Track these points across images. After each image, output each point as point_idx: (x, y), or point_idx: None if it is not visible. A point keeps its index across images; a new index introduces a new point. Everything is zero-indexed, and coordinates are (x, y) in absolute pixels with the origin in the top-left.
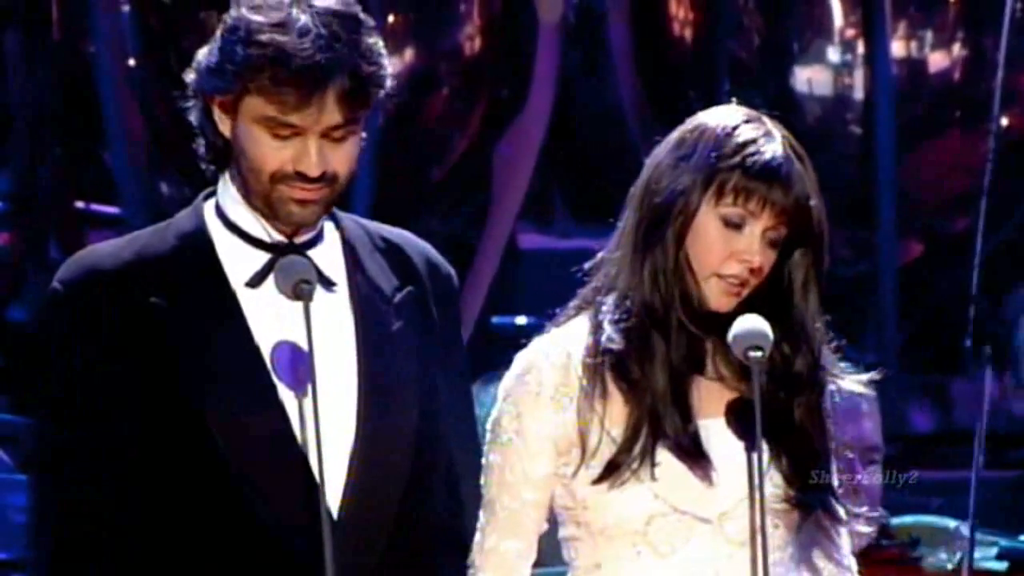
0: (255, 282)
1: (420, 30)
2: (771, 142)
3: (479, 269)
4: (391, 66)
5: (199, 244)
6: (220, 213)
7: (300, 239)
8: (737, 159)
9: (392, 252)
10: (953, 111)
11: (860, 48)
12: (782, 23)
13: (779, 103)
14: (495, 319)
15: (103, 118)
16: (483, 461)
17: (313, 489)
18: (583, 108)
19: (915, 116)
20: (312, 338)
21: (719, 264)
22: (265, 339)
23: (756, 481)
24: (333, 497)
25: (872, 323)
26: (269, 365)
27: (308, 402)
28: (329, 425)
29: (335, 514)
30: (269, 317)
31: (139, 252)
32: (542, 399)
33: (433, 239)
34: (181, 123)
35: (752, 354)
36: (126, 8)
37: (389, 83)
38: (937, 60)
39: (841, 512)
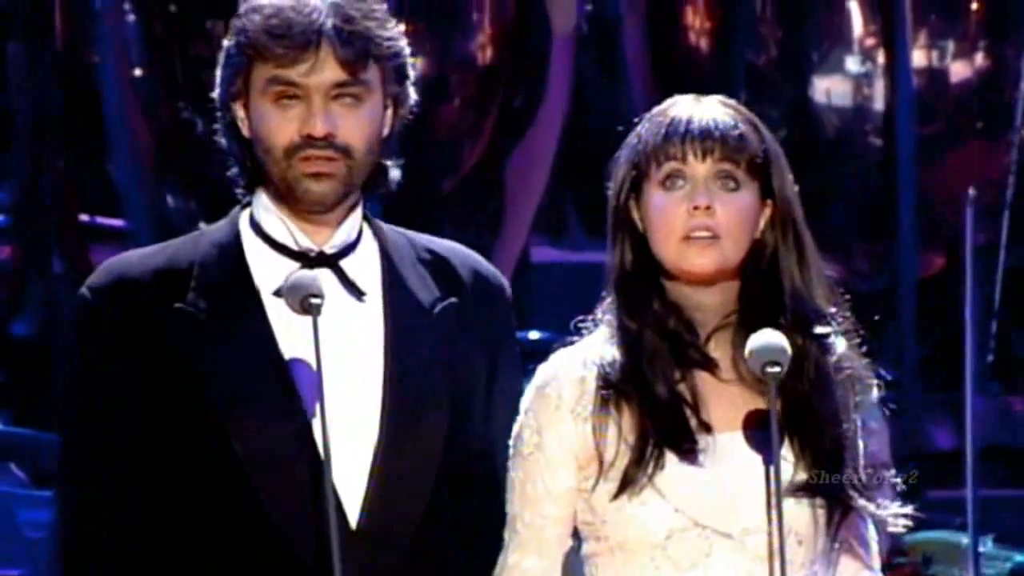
0: (282, 292)
1: (432, 39)
2: (687, 105)
3: None
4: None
5: (230, 252)
6: (253, 222)
7: (333, 248)
8: (652, 130)
9: (437, 264)
10: (975, 122)
11: (880, 58)
12: (800, 32)
13: (797, 114)
14: None
15: (107, 129)
16: (507, 477)
17: (332, 499)
18: (597, 119)
19: (936, 127)
20: (320, 352)
21: (679, 226)
22: (290, 349)
23: (775, 500)
24: (351, 509)
25: (892, 338)
26: (292, 375)
27: (331, 413)
28: (351, 437)
29: (353, 524)
30: (295, 327)
31: (169, 259)
32: (562, 412)
33: None
34: (187, 134)
35: (770, 370)
36: (131, 17)
37: (397, 50)
38: (958, 70)
39: (870, 507)
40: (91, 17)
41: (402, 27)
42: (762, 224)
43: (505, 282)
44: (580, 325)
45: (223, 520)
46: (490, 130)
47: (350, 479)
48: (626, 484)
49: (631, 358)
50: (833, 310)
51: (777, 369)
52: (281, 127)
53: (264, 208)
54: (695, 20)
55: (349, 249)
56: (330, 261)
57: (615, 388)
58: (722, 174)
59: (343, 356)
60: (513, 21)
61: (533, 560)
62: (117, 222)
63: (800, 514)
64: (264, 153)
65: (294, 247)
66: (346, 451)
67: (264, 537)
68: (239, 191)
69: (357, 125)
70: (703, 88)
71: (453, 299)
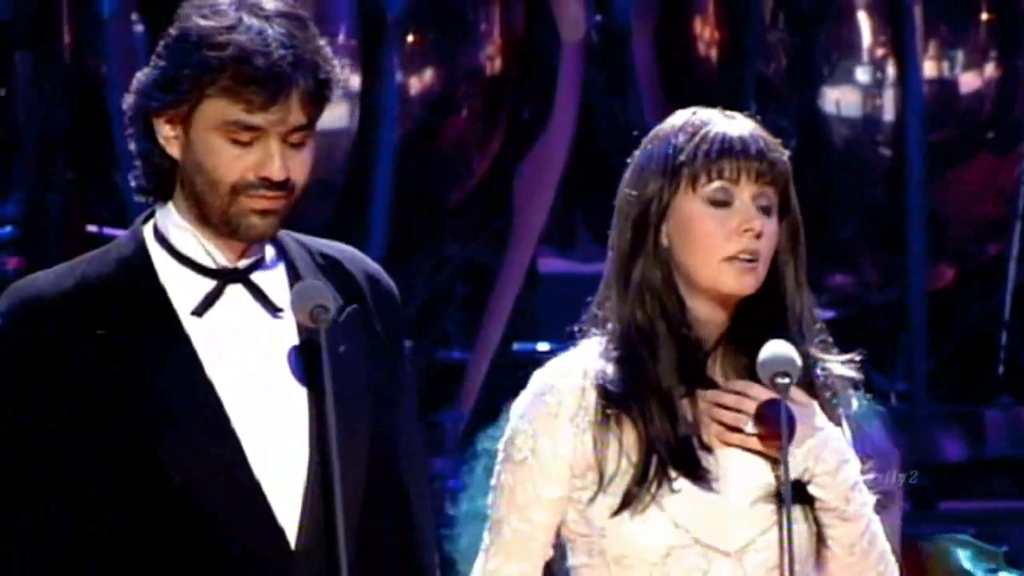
0: (201, 310)
1: (440, 50)
2: (722, 119)
3: (499, 294)
4: (411, 87)
5: (142, 272)
6: (161, 239)
7: (245, 263)
8: (694, 143)
9: (333, 269)
10: (985, 133)
11: (890, 69)
12: (810, 42)
13: (807, 125)
14: (516, 345)
15: (115, 141)
16: (492, 481)
17: (270, 521)
18: (606, 129)
19: (946, 138)
20: (327, 367)
21: (723, 246)
22: (214, 368)
23: (785, 520)
24: (290, 530)
25: (902, 350)
26: (220, 395)
27: (261, 431)
28: (283, 453)
29: (292, 544)
30: (217, 346)
31: (80, 281)
32: (560, 420)
33: (453, 264)
34: None
35: (779, 380)
36: (139, 28)
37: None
38: (969, 81)
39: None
40: (99, 27)
41: (409, 38)
42: None
43: (394, 285)
44: (572, 333)
45: (164, 547)
46: (498, 141)
47: (286, 500)
48: (629, 501)
49: (640, 368)
50: (817, 326)
51: (787, 380)
52: (234, 165)
53: (175, 224)
54: (704, 31)
55: (259, 263)
56: (243, 276)
57: (617, 404)
58: (763, 197)
59: (265, 374)
60: (522, 32)
61: (515, 566)
62: (124, 233)
63: (796, 531)
64: (206, 185)
65: (211, 265)
66: (279, 470)
67: (209, 563)
68: (142, 199)
69: (303, 163)
70: (713, 99)
71: (354, 305)
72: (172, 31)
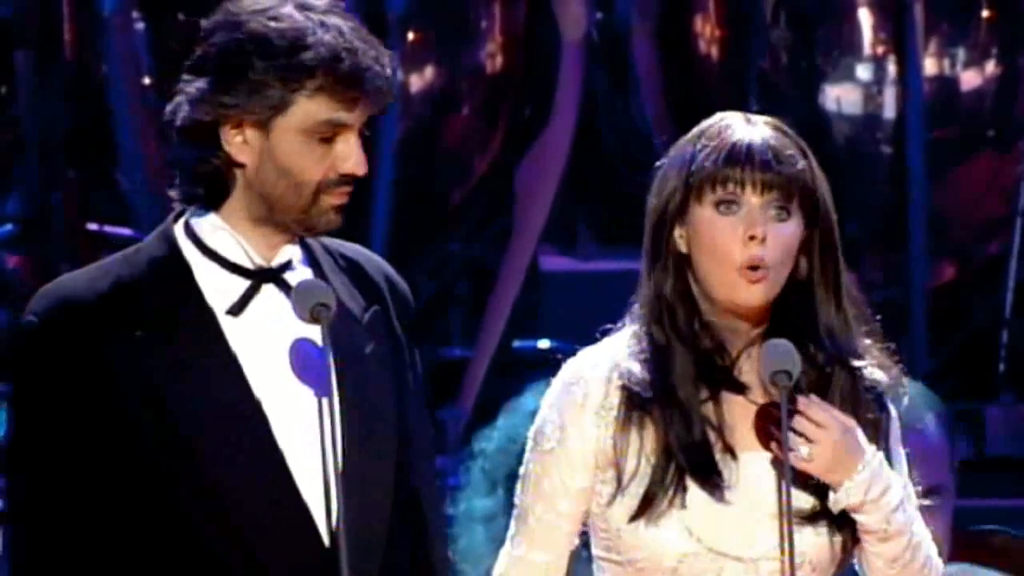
0: (236, 310)
1: (440, 48)
2: (741, 126)
3: (501, 293)
4: (412, 85)
5: (176, 272)
6: (194, 239)
7: (278, 262)
8: (707, 151)
9: (353, 271)
10: (986, 131)
11: (891, 66)
12: (810, 40)
13: (808, 122)
14: (517, 343)
15: (117, 139)
16: (520, 470)
17: (306, 520)
18: (608, 128)
19: (947, 136)
20: (331, 363)
21: (733, 252)
22: (251, 367)
23: (786, 529)
24: (322, 527)
25: (903, 348)
26: (256, 394)
27: (296, 431)
28: (314, 454)
29: (327, 543)
30: (254, 345)
31: (114, 282)
32: (586, 411)
33: (454, 262)
34: None
35: (780, 379)
36: (140, 27)
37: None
38: (970, 79)
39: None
40: (100, 27)
41: (410, 35)
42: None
43: (407, 286)
44: (603, 333)
45: (199, 546)
46: (499, 140)
47: (318, 498)
48: (646, 506)
49: (659, 376)
50: (864, 330)
51: (787, 379)
52: (319, 164)
53: (211, 225)
54: (705, 29)
55: (290, 263)
56: (276, 276)
57: (639, 406)
58: (776, 204)
59: (294, 374)
60: (523, 30)
61: (540, 554)
62: (125, 231)
63: (817, 542)
64: (290, 188)
65: (247, 265)
66: (313, 468)
67: (243, 564)
68: (182, 205)
69: (365, 155)
70: (714, 97)
71: (376, 307)
72: (237, 35)
